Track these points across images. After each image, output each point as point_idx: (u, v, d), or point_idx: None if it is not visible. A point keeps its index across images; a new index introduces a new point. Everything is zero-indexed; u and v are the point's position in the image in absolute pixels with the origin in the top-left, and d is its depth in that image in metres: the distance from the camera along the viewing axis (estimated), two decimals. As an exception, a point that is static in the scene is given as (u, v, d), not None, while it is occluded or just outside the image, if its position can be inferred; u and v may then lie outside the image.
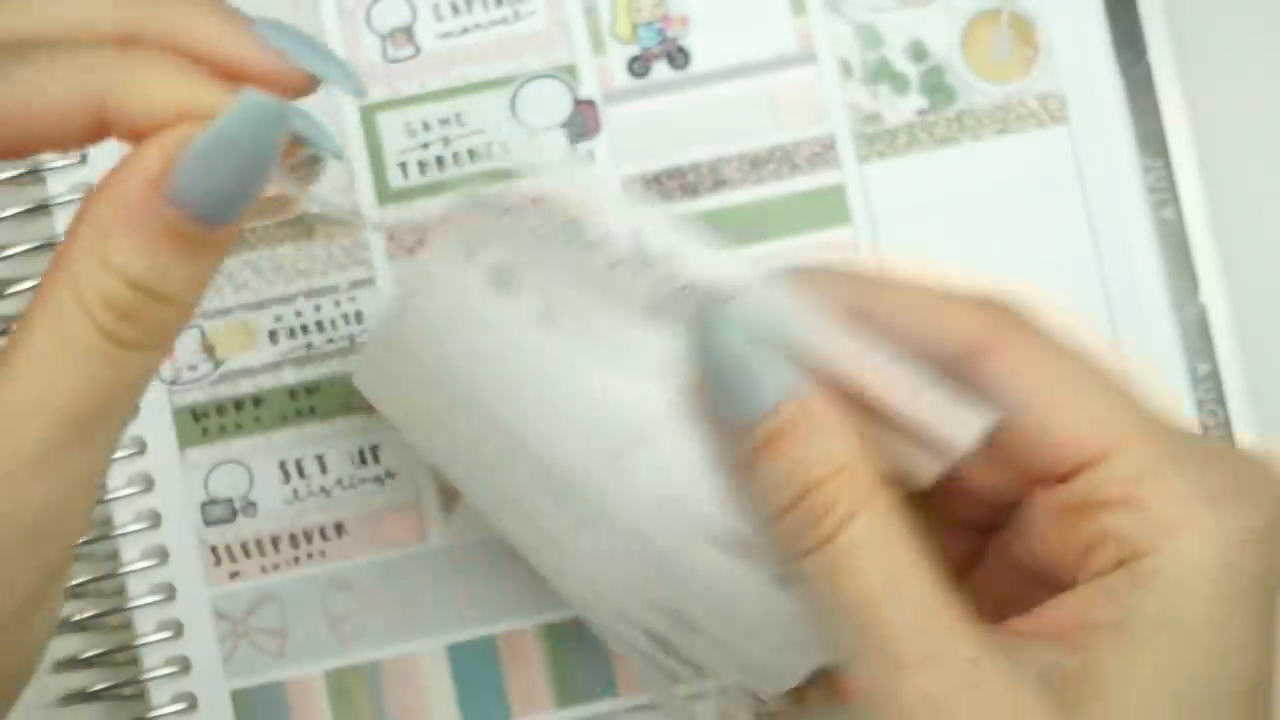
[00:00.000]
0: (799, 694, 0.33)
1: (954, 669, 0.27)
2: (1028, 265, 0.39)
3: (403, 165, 0.39)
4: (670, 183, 0.40)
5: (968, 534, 0.32)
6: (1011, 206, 0.39)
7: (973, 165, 0.40)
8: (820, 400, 0.28)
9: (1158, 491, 0.27)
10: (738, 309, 0.29)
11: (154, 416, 0.39)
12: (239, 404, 0.39)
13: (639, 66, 0.40)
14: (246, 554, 0.39)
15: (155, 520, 0.39)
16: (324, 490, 0.39)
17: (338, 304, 0.39)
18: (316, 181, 0.31)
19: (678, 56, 0.40)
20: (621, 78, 0.40)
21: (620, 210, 0.30)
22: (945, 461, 0.28)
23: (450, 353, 0.30)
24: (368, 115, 0.39)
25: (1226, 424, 0.40)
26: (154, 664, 0.39)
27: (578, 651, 0.39)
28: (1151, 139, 0.40)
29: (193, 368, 0.39)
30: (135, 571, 0.39)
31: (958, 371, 0.29)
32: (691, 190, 0.39)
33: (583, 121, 0.40)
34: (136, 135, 0.25)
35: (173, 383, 0.39)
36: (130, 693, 0.39)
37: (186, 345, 0.39)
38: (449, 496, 0.39)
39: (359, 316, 0.39)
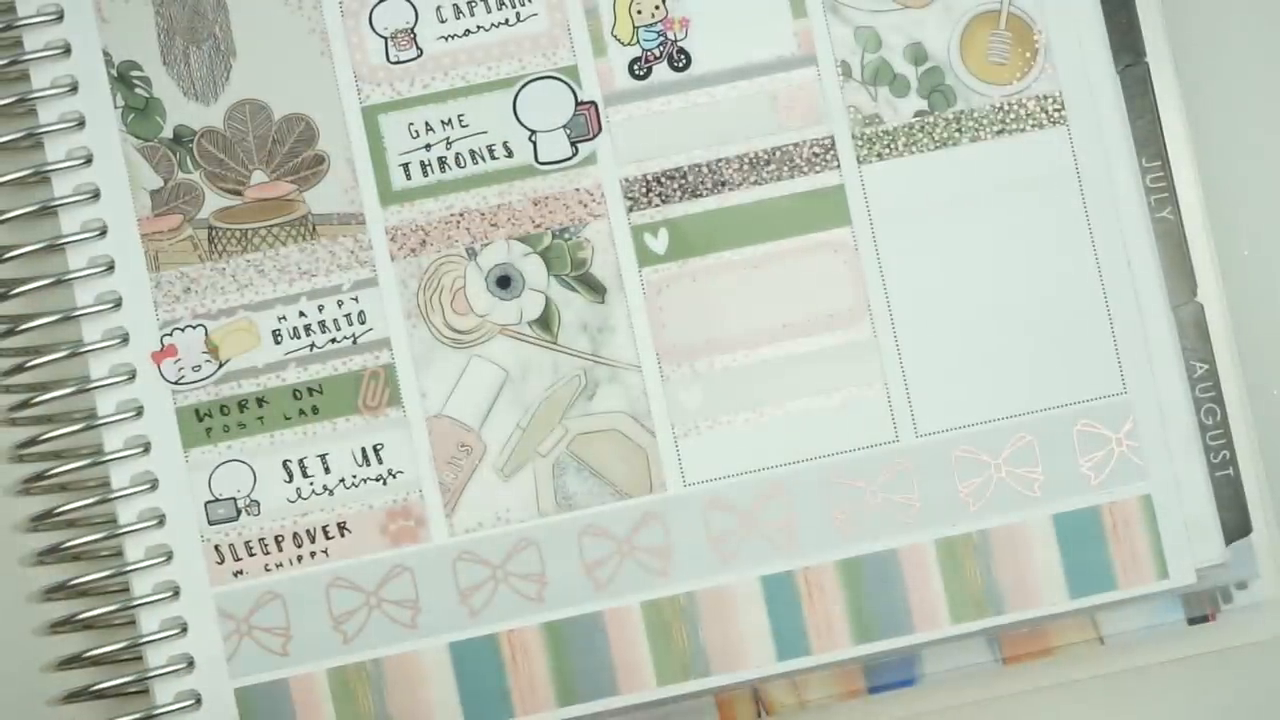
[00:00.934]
0: None
1: None
2: (1026, 265, 0.40)
3: (405, 166, 0.40)
4: (670, 183, 0.40)
5: None
6: (1010, 207, 0.40)
7: (971, 166, 0.40)
8: None
9: None
10: None
11: (158, 417, 0.39)
12: (242, 404, 0.39)
13: (640, 68, 0.40)
14: (250, 553, 0.39)
15: (159, 519, 0.39)
16: (327, 489, 0.39)
17: (340, 304, 0.40)
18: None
19: (678, 58, 0.40)
20: (622, 79, 0.40)
21: None
22: None
23: None
24: (370, 116, 0.40)
25: (1224, 422, 0.40)
26: (158, 662, 0.39)
27: (580, 651, 0.39)
28: (1149, 140, 0.40)
29: (196, 368, 0.39)
30: (139, 570, 0.39)
31: None
32: (692, 191, 0.40)
33: (584, 123, 0.40)
34: None
35: (176, 383, 0.39)
36: (134, 690, 0.39)
37: (190, 346, 0.39)
38: (451, 495, 0.39)
39: (361, 316, 0.39)
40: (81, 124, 0.40)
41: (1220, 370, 0.40)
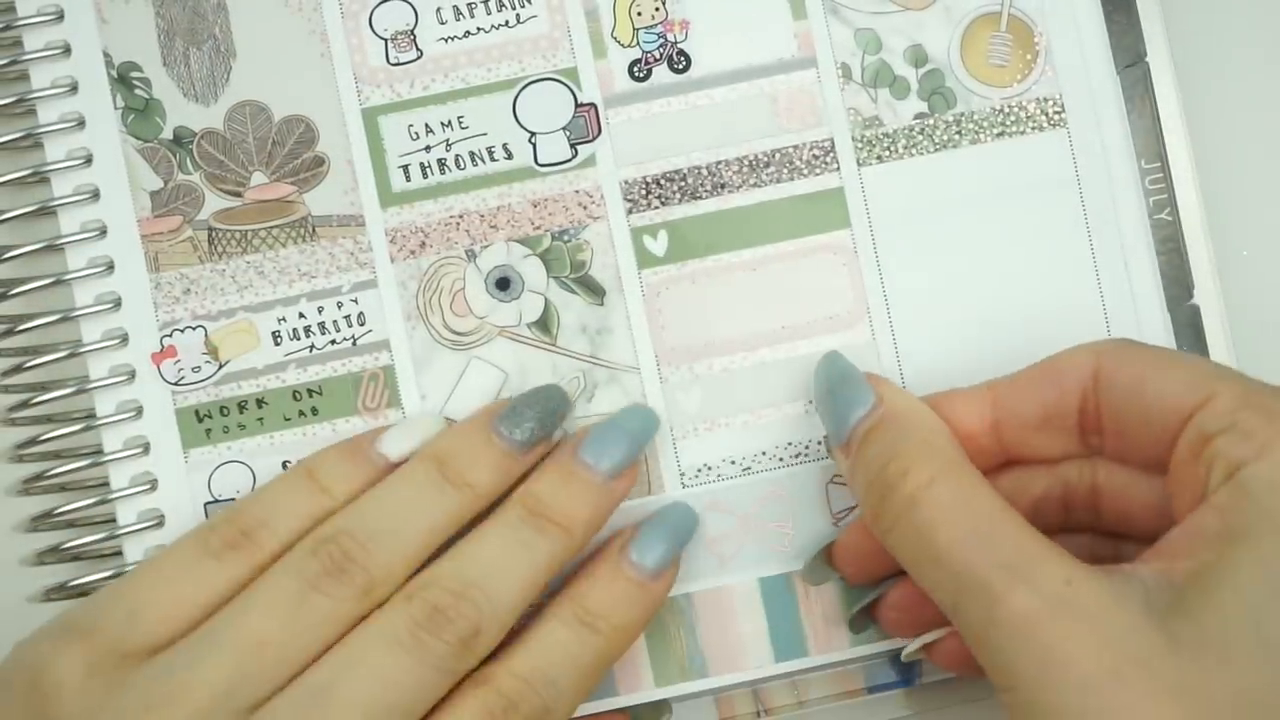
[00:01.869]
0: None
1: (1046, 589, 0.29)
2: (1026, 267, 0.40)
3: (405, 168, 0.40)
4: (670, 186, 0.40)
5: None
6: (1010, 210, 0.40)
7: (971, 169, 0.40)
8: (904, 399, 0.35)
9: (1254, 414, 0.31)
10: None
11: (157, 417, 0.39)
12: (242, 405, 0.39)
13: (640, 70, 0.40)
14: (250, 554, 0.39)
15: (159, 520, 0.39)
16: (326, 490, 0.39)
17: (340, 305, 0.40)
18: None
19: (678, 60, 0.40)
20: (622, 81, 0.40)
21: None
22: None
23: None
24: (369, 118, 0.40)
25: (1221, 426, 0.40)
26: (158, 662, 0.39)
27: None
28: (1149, 142, 0.40)
29: (196, 369, 0.39)
30: (139, 571, 0.39)
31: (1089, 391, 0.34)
32: (691, 193, 0.40)
33: (584, 124, 0.40)
34: None
35: (176, 384, 0.39)
36: (134, 690, 0.39)
37: (190, 347, 0.39)
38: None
39: (361, 318, 0.40)
40: (81, 124, 0.40)
41: (1218, 372, 0.40)
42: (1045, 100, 0.40)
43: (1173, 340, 0.40)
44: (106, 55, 0.40)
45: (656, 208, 0.40)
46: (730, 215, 0.40)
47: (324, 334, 0.40)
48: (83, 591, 0.39)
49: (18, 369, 0.40)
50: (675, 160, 0.40)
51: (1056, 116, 0.40)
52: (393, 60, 0.40)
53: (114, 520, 0.39)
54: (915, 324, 0.39)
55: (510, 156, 0.40)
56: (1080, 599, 0.29)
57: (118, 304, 0.39)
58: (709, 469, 0.39)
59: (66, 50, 0.40)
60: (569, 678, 0.35)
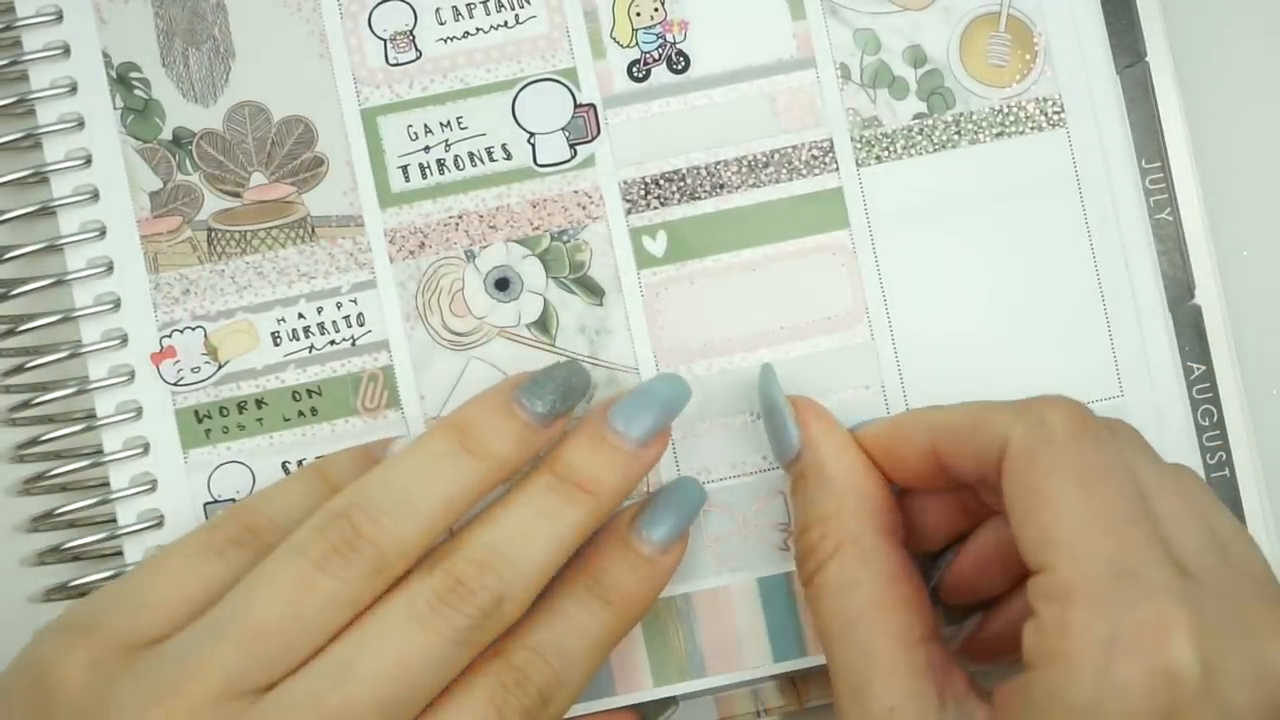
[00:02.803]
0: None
1: (872, 713, 0.32)
2: (1025, 268, 0.40)
3: (404, 168, 0.40)
4: (669, 186, 0.40)
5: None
6: (1009, 210, 0.40)
7: (971, 169, 0.40)
8: (827, 443, 0.36)
9: (1056, 621, 0.29)
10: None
11: (157, 418, 0.39)
12: (241, 405, 0.39)
13: (639, 70, 0.40)
14: (249, 554, 0.39)
15: (159, 521, 0.39)
16: (326, 491, 0.39)
17: (339, 306, 0.40)
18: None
19: (677, 60, 0.40)
20: (621, 81, 0.40)
21: None
22: None
23: None
24: (369, 118, 0.40)
25: (1220, 424, 0.40)
26: (158, 662, 0.39)
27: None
28: (1149, 142, 0.40)
29: (195, 369, 0.39)
30: (139, 571, 0.39)
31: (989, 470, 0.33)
32: (690, 194, 0.40)
33: (583, 125, 0.40)
34: None
35: (176, 384, 0.39)
36: (134, 690, 0.39)
37: (189, 347, 0.39)
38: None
39: (360, 318, 0.40)
40: (81, 125, 0.40)
41: (1217, 371, 0.40)
42: (1044, 100, 0.40)
43: (1174, 340, 0.40)
44: (106, 56, 0.40)
45: (655, 208, 0.40)
46: (729, 215, 0.40)
47: (323, 334, 0.40)
48: (83, 592, 0.39)
49: (18, 369, 0.40)
50: (674, 161, 0.40)
51: (1056, 116, 0.40)
52: (392, 61, 0.40)
53: (114, 520, 0.39)
54: (914, 324, 0.39)
55: (509, 157, 0.40)
56: None
57: (117, 304, 0.39)
58: (708, 469, 0.39)
59: (66, 51, 0.40)
60: (581, 650, 0.35)
